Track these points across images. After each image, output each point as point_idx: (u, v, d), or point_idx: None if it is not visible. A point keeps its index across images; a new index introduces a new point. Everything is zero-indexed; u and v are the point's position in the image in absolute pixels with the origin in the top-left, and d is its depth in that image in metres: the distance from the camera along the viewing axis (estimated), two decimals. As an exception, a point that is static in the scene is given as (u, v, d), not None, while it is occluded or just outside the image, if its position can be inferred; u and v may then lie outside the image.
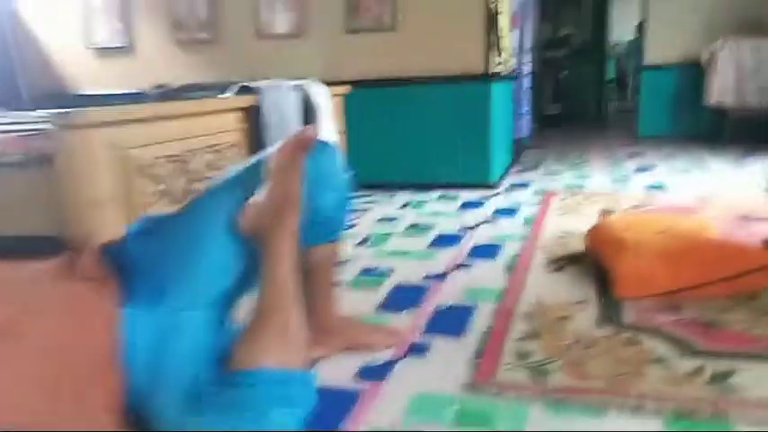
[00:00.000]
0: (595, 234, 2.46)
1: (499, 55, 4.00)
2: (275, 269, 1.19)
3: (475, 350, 1.71)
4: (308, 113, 2.73)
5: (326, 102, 2.87)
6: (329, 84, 3.02)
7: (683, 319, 1.86)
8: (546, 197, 3.75)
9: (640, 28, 6.55)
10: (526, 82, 5.96)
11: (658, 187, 3.93)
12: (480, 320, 1.92)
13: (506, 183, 4.31)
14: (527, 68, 5.98)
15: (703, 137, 6.04)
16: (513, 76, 4.81)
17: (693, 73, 5.99)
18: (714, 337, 1.74)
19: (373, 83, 4.06)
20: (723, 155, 5.23)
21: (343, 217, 1.62)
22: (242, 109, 2.40)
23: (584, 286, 2.16)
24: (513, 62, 4.74)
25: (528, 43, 5.87)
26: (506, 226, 3.12)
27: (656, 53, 6.33)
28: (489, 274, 2.36)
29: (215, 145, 2.18)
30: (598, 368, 1.58)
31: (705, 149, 5.55)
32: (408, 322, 1.93)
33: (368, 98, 4.00)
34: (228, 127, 2.31)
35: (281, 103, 2.56)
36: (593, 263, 2.33)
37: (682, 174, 4.39)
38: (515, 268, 2.41)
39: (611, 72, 10.93)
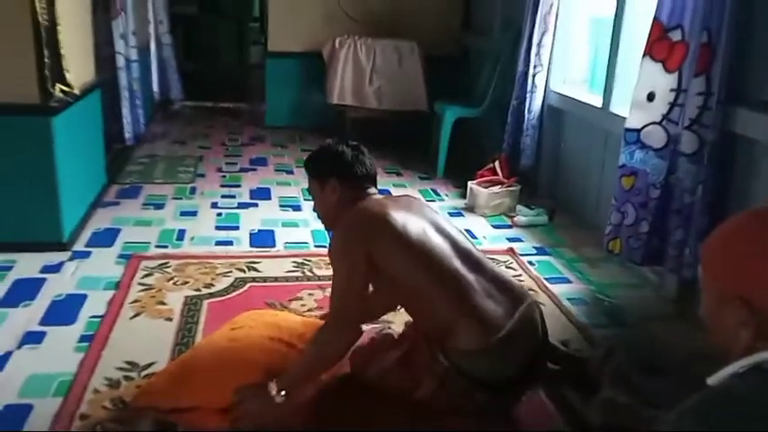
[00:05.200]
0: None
1: (63, 80, 3.08)
2: None
3: None
4: None
5: None
6: None
7: None
8: (128, 271, 3.00)
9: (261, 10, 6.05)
10: (135, 71, 5.04)
11: (264, 242, 3.52)
12: None
13: (87, 234, 3.42)
14: (134, 54, 5.05)
15: (328, 132, 5.88)
16: (95, 87, 3.86)
17: (317, 65, 5.72)
18: None
19: None
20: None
21: None
22: None
23: None
24: (89, 73, 3.82)
25: (131, 27, 4.93)
26: (50, 354, 2.30)
27: (279, 41, 5.92)
28: None
29: None
30: None
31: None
32: None
33: None
34: None
35: None
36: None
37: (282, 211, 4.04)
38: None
39: (255, 9, 10.41)
